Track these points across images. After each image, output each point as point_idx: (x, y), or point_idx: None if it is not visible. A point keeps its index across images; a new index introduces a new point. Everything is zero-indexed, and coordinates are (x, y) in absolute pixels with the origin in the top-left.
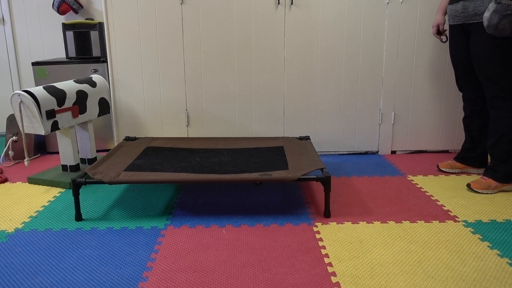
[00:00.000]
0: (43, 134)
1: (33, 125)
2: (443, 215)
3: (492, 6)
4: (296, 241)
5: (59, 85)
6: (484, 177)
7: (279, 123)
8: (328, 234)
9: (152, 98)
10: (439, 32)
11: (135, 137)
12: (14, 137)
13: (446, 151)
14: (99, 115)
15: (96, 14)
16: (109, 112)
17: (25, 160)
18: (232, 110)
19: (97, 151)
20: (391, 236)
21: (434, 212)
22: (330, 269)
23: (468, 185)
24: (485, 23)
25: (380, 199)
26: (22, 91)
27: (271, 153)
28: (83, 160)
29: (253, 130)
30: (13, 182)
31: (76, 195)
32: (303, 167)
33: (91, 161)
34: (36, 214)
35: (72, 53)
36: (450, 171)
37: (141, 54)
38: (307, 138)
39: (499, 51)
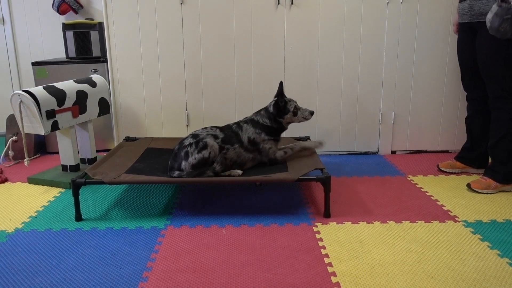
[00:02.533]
0: (43, 134)
1: (33, 125)
2: (443, 215)
3: (494, 8)
4: (296, 241)
5: (59, 85)
6: (484, 177)
7: None
8: (328, 234)
9: (152, 98)
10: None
11: (135, 137)
12: (14, 137)
13: (446, 151)
14: (99, 115)
15: (96, 14)
16: (109, 112)
17: (25, 160)
18: (232, 110)
19: (97, 151)
20: (391, 236)
21: (434, 212)
22: (330, 269)
23: (468, 185)
24: (488, 24)
25: (380, 199)
26: (22, 91)
27: None
28: (83, 160)
29: None
30: (13, 182)
31: (76, 195)
32: (302, 167)
33: (91, 161)
34: (36, 214)
35: (72, 53)
36: (450, 171)
37: (141, 54)
38: (307, 138)
39: (503, 52)
